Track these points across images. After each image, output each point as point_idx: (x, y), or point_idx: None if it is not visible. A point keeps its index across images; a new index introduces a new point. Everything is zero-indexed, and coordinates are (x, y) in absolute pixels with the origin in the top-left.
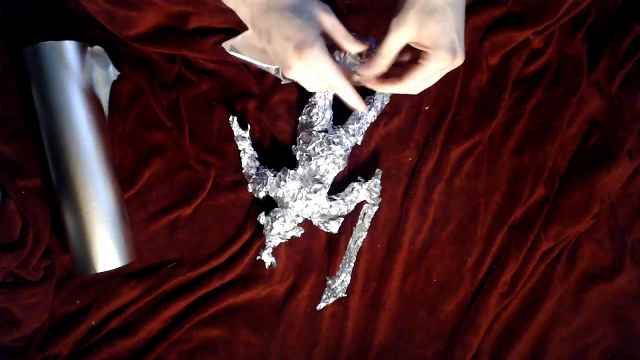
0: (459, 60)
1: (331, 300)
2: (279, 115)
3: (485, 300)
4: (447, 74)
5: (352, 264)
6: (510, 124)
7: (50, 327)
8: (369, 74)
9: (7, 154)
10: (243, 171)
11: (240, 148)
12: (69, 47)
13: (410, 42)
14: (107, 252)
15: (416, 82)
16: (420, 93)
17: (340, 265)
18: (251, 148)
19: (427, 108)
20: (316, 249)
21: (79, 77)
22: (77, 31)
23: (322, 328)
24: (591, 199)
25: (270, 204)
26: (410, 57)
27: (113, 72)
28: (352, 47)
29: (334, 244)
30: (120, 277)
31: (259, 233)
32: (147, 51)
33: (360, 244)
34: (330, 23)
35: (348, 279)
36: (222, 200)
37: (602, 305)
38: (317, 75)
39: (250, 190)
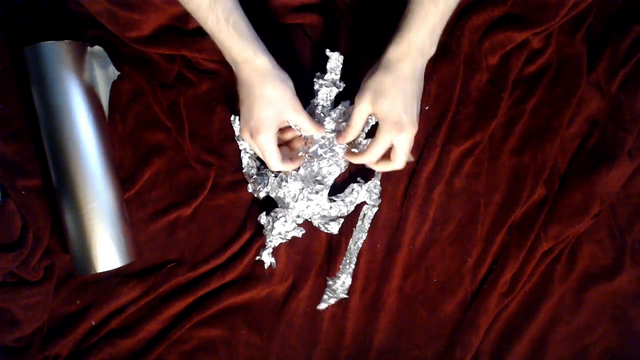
0: (408, 131)
1: (332, 301)
2: None
3: (485, 300)
4: (447, 74)
5: (352, 265)
6: (510, 124)
7: (50, 327)
8: (342, 142)
9: (7, 154)
10: (243, 171)
11: (241, 148)
12: (69, 47)
13: (371, 115)
14: (107, 252)
15: (376, 151)
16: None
17: (341, 267)
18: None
19: (427, 108)
20: (316, 250)
21: (79, 77)
22: (77, 31)
23: (322, 328)
24: (591, 199)
25: (270, 204)
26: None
27: (113, 72)
28: (313, 132)
29: (334, 245)
30: (120, 277)
31: (259, 233)
32: (147, 51)
33: (360, 245)
34: (294, 120)
35: (349, 280)
36: (222, 200)
37: (602, 305)
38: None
39: (250, 190)
